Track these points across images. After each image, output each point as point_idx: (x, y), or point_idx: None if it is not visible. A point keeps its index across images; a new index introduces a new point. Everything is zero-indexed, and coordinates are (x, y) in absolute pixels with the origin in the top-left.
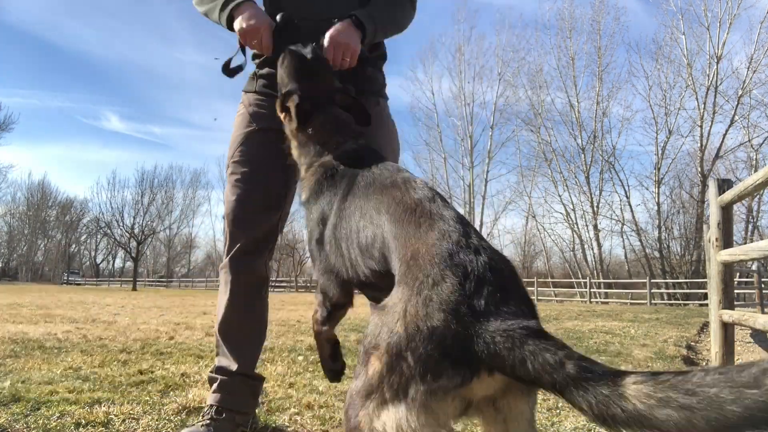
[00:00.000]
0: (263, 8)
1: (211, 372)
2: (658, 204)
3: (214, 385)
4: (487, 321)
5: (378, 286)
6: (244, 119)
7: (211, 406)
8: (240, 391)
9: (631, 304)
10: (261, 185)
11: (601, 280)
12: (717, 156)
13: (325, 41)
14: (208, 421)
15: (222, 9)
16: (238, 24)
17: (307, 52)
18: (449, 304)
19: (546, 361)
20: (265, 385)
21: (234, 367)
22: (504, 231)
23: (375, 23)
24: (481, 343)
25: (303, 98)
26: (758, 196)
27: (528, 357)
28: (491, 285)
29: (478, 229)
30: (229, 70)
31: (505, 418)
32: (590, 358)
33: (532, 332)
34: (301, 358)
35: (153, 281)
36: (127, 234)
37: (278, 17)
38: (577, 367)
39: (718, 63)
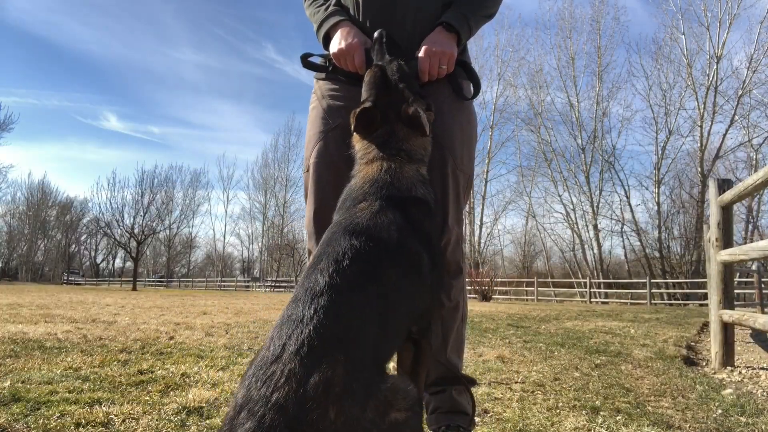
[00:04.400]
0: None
1: None
2: (658, 204)
3: None
4: None
5: None
6: (319, 114)
7: None
8: None
9: (631, 304)
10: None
11: (601, 280)
12: (717, 156)
13: (421, 53)
14: None
15: (318, 29)
16: (332, 46)
17: (392, 67)
18: None
19: None
20: None
21: None
22: (504, 231)
23: (468, 22)
24: None
25: (373, 108)
26: (758, 196)
27: None
28: None
29: (478, 229)
30: (307, 62)
31: None
32: None
33: None
34: None
35: (153, 281)
36: (127, 234)
37: (375, 34)
38: None
39: (718, 63)
